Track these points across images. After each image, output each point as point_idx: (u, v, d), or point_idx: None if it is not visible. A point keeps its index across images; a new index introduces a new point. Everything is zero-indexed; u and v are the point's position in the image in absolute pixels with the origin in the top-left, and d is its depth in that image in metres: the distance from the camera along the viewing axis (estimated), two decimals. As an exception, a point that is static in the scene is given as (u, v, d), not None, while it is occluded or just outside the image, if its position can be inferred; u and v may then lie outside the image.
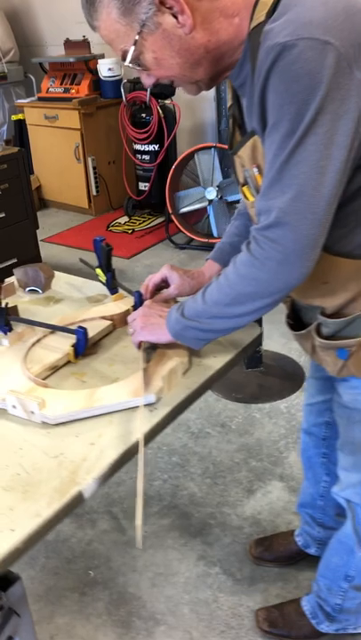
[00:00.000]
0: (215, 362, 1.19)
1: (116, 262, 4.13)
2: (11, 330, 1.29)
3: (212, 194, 3.93)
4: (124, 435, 1.00)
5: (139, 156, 4.46)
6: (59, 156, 4.86)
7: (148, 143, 4.36)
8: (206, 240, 4.02)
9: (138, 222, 4.68)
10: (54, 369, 1.18)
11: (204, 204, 3.99)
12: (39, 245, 3.70)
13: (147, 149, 4.40)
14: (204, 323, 1.09)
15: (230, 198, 3.94)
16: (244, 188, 1.15)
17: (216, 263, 1.35)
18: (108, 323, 1.31)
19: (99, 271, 1.45)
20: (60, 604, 1.75)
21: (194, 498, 2.08)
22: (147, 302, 1.25)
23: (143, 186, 4.56)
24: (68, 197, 5.01)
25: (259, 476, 2.15)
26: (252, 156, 1.06)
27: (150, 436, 1.02)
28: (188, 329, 1.11)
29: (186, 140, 4.69)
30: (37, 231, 3.67)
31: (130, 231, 4.53)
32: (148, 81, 1.06)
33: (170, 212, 4.07)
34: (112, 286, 1.43)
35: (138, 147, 4.44)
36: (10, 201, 3.41)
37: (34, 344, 1.24)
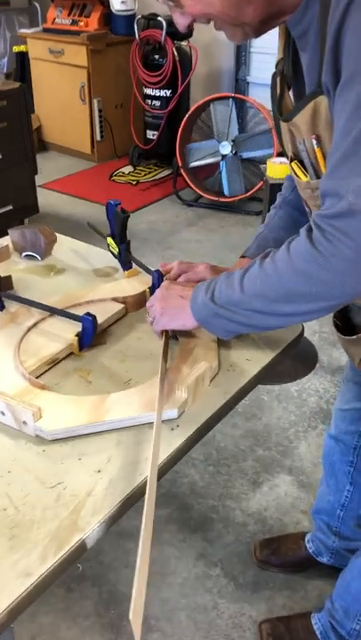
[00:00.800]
0: (250, 366, 0.99)
1: (119, 216, 3.89)
2: (2, 308, 1.07)
3: (226, 148, 3.65)
4: (138, 461, 0.80)
5: (149, 101, 4.14)
6: (62, 94, 4.51)
7: (160, 88, 4.04)
8: (216, 198, 3.76)
9: (143, 173, 4.39)
10: (53, 363, 0.97)
11: (217, 158, 3.71)
12: (37, 192, 3.44)
13: (158, 95, 4.08)
14: (238, 314, 0.88)
15: (245, 155, 3.66)
16: (294, 164, 0.92)
17: None
18: (121, 306, 1.10)
19: (110, 241, 1.22)
20: (43, 600, 1.59)
21: (195, 487, 1.91)
22: (164, 283, 1.03)
23: (151, 134, 4.25)
24: (70, 141, 4.69)
25: (266, 467, 1.98)
26: (311, 123, 0.83)
27: (171, 462, 0.83)
28: (218, 317, 0.91)
29: (200, 88, 4.36)
30: (35, 176, 3.40)
31: (134, 182, 4.25)
32: (182, 21, 0.82)
33: (179, 165, 3.79)
34: (126, 261, 1.21)
35: (148, 91, 4.11)
36: (8, 142, 3.12)
37: (29, 329, 1.03)
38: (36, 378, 0.94)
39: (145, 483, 0.78)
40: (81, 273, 1.27)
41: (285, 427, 2.15)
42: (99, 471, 0.79)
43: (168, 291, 0.99)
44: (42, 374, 0.95)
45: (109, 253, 1.28)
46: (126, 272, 1.20)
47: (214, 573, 1.66)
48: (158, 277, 1.10)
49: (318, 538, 1.60)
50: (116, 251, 1.21)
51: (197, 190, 3.82)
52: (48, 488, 0.76)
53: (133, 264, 1.22)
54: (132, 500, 0.76)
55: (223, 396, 0.92)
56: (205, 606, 1.58)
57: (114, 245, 1.21)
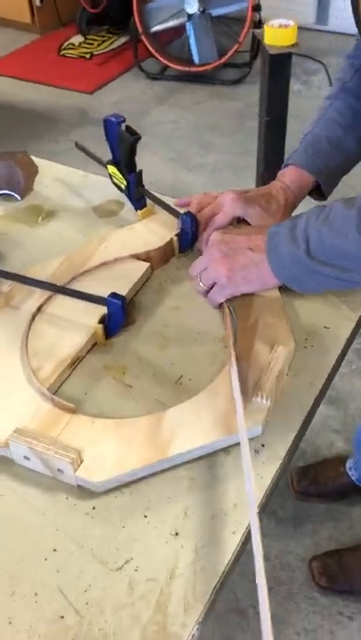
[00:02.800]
0: (331, 337, 0.76)
1: (77, 99, 3.40)
2: (-10, 287, 0.80)
3: (192, 6, 3.14)
4: (224, 511, 0.59)
5: None
6: None
7: None
8: (186, 68, 3.30)
9: (96, 43, 3.82)
10: (75, 363, 0.73)
11: (183, 19, 3.21)
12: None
13: None
14: (354, 272, 0.67)
15: (215, 12, 3.16)
16: None
17: (306, 171, 0.85)
18: (145, 266, 0.83)
19: (113, 170, 0.93)
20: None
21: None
22: (215, 235, 0.76)
23: (100, -7, 3.65)
24: (4, 9, 4.02)
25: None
26: None
27: (266, 500, 0.62)
28: (316, 276, 0.69)
29: None
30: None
31: (88, 55, 3.71)
32: None
33: (139, 30, 3.27)
34: (137, 196, 0.92)
35: None
36: None
37: (34, 316, 0.77)
38: (57, 389, 0.70)
39: (243, 545, 0.58)
40: (77, 213, 0.99)
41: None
42: (176, 534, 0.58)
43: (228, 244, 0.73)
44: (64, 381, 0.71)
45: (106, 180, 0.99)
46: (140, 212, 0.92)
47: (251, 510, 1.54)
48: (191, 222, 0.83)
49: (362, 465, 1.48)
50: (122, 184, 0.92)
51: (163, 60, 3.34)
52: (113, 571, 0.55)
53: (147, 199, 0.93)
54: (227, 574, 0.57)
55: (310, 389, 0.70)
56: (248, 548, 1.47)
57: (119, 177, 0.92)
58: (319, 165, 0.86)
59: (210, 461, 0.63)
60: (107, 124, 0.87)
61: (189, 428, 0.63)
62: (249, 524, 0.58)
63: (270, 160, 1.91)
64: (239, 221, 0.87)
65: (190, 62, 3.30)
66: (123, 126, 0.86)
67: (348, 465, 1.52)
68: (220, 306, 0.77)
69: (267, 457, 0.63)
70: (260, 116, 1.94)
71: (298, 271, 0.69)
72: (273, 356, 0.68)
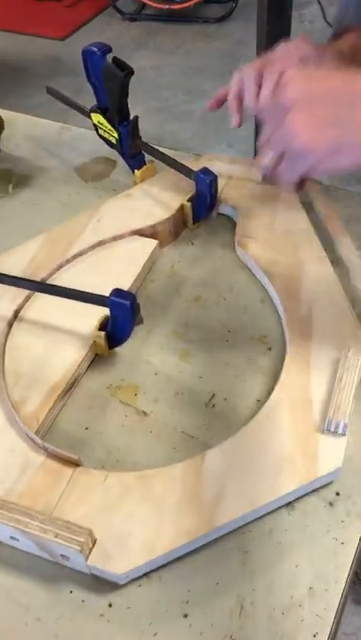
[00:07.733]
0: None
1: (48, 46, 3.10)
2: None
3: None
4: (296, 599, 0.42)
5: None
6: None
7: None
8: (166, 6, 2.99)
9: (65, -16, 3.48)
10: (72, 387, 0.54)
11: None
12: None
13: None
14: None
15: None
16: None
17: None
18: (153, 244, 0.64)
19: (99, 119, 0.72)
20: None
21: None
22: (292, 71, 0.44)
23: None
24: None
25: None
26: None
27: (352, 575, 0.44)
28: None
29: None
30: None
31: (56, -2, 3.37)
32: None
33: (111, -35, 2.95)
34: (132, 151, 0.71)
35: None
36: None
37: (10, 324, 0.57)
38: (49, 427, 0.51)
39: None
40: (57, 178, 0.78)
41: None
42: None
43: (312, 83, 0.44)
44: (57, 414, 0.53)
45: (94, 135, 0.78)
46: (137, 172, 0.72)
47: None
48: (211, 182, 0.63)
49: None
50: (112, 137, 0.71)
51: (139, -3, 3.03)
52: None
53: (145, 154, 0.73)
54: None
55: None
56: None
57: (107, 127, 0.71)
58: None
59: (268, 522, 0.45)
60: (87, 56, 0.66)
61: (243, 478, 0.45)
62: (335, 617, 0.41)
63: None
64: None
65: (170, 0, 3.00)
66: (109, 58, 0.65)
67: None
68: (300, 186, 0.50)
69: (346, 510, 0.46)
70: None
71: None
72: (345, 365, 0.49)
